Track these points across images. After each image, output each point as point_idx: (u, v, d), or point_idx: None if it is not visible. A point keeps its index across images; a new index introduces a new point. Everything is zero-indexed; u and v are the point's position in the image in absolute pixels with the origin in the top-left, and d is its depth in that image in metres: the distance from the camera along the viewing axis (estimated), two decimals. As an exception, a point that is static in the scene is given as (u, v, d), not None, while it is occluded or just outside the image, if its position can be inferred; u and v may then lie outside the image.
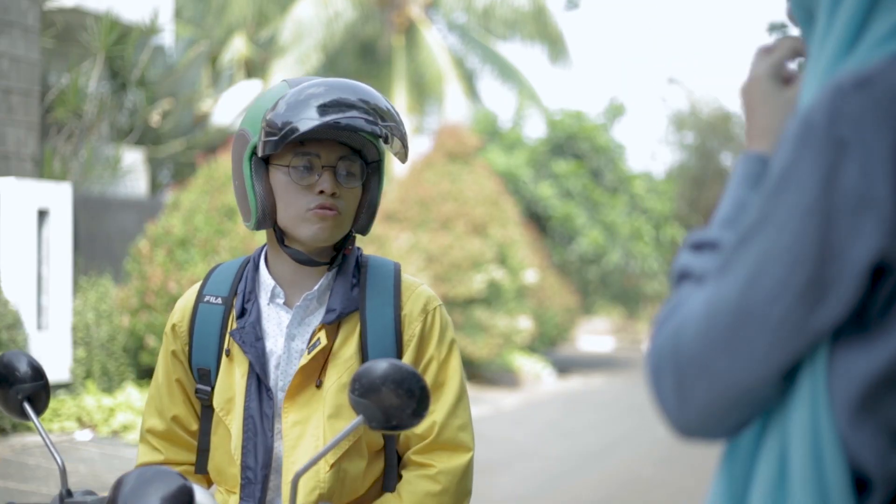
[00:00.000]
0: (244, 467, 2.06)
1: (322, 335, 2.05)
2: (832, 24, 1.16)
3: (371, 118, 1.98)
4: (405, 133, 2.05)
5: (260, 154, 2.02)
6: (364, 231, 2.11)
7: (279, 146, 1.99)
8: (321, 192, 2.01)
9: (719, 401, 1.14)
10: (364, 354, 2.07)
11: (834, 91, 1.08)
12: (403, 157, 2.07)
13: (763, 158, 1.28)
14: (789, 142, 1.10)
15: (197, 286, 2.19)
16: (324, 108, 1.96)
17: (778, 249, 1.09)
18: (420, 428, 2.08)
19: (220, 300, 2.13)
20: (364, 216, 2.09)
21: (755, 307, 1.10)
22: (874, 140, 1.06)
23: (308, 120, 1.95)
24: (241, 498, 2.07)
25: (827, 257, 1.07)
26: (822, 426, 1.12)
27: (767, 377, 1.12)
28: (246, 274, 2.14)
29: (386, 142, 2.02)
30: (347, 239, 2.10)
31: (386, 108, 2.01)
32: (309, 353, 2.04)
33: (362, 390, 1.69)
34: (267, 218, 2.05)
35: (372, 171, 2.10)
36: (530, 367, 16.46)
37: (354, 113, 1.97)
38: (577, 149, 19.43)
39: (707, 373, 1.13)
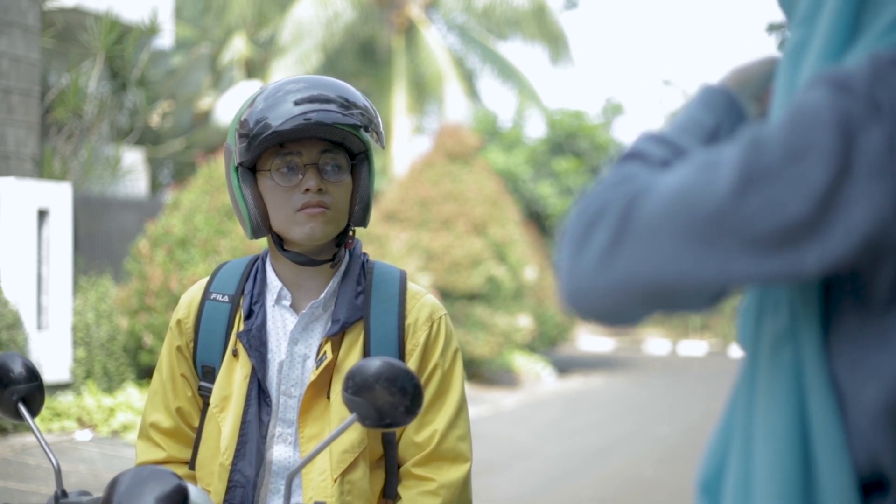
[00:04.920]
0: (234, 470, 2.05)
1: (328, 348, 2.05)
2: (818, 18, 1.16)
3: (342, 110, 1.98)
4: (378, 121, 2.06)
5: (238, 159, 2.03)
6: (361, 223, 2.10)
7: (252, 146, 1.99)
8: (307, 190, 2.01)
9: (648, 278, 1.09)
10: None
11: (874, 61, 1.08)
12: (380, 144, 2.10)
13: (728, 92, 1.29)
14: (821, 84, 1.08)
15: (203, 282, 2.19)
16: (295, 105, 1.97)
17: (781, 173, 1.06)
18: (420, 437, 2.07)
19: (226, 298, 2.13)
20: (358, 208, 2.08)
21: (739, 212, 1.06)
22: None
23: (279, 118, 1.96)
24: (225, 500, 2.05)
25: (829, 205, 1.05)
26: (815, 421, 1.11)
27: (707, 282, 1.09)
28: (254, 274, 2.14)
29: (367, 130, 2.03)
30: (346, 233, 2.10)
31: (355, 101, 2.02)
32: (317, 367, 2.04)
33: (356, 388, 1.69)
34: (261, 226, 2.05)
35: (360, 162, 2.08)
36: (530, 366, 16.46)
37: (327, 107, 1.97)
38: (577, 147, 19.44)
39: (654, 248, 1.09)
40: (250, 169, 2.05)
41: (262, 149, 2.01)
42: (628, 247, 1.10)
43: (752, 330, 1.20)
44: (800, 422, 1.12)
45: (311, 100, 1.98)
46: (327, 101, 1.99)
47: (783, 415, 1.13)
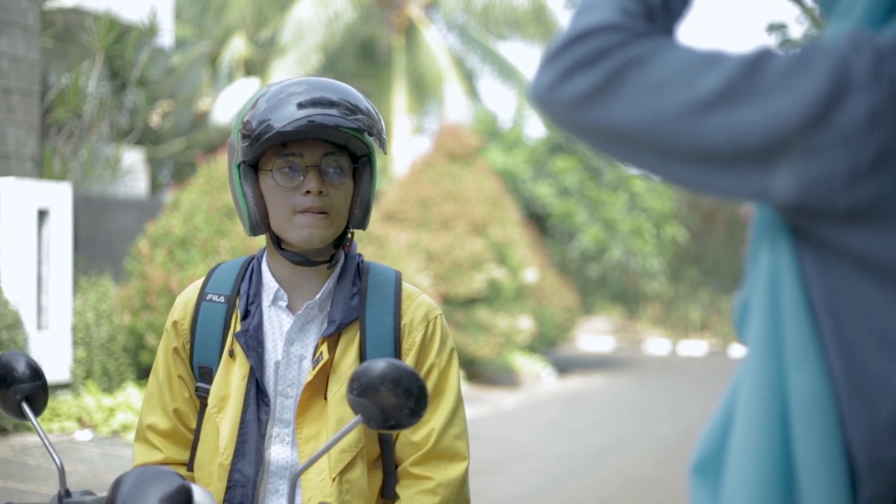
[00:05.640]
0: (234, 470, 2.05)
1: (324, 349, 2.05)
2: (853, 11, 1.17)
3: (346, 113, 1.98)
4: (381, 126, 2.06)
5: (241, 158, 2.03)
6: (360, 226, 2.09)
7: (254, 146, 1.99)
8: (308, 192, 2.00)
9: (620, 135, 1.13)
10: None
11: (874, 52, 1.09)
12: (382, 149, 2.10)
13: None
14: (845, 35, 1.10)
15: (198, 283, 2.18)
16: (299, 108, 1.97)
17: (782, 78, 1.08)
18: (417, 436, 2.07)
19: (222, 299, 2.13)
20: (358, 211, 2.07)
21: (699, 126, 1.09)
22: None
23: (282, 120, 1.96)
24: (224, 500, 2.06)
25: (788, 145, 1.08)
26: (794, 408, 1.12)
27: (683, 147, 1.12)
28: (249, 274, 2.14)
29: (370, 134, 2.02)
30: (345, 235, 2.09)
31: (358, 105, 2.02)
32: (313, 368, 2.04)
33: (360, 390, 1.69)
34: (260, 224, 2.05)
35: (362, 166, 2.08)
36: (530, 366, 16.47)
37: (330, 110, 1.97)
38: (577, 147, 19.43)
39: (633, 113, 1.11)
40: (252, 166, 2.05)
41: (264, 148, 2.01)
42: (612, 103, 1.13)
43: (749, 322, 1.21)
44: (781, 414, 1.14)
45: (314, 102, 1.97)
46: (331, 104, 1.98)
47: (769, 400, 1.14)
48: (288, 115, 1.96)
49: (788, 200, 1.10)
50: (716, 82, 1.10)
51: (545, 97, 1.16)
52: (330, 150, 2.03)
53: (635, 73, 1.12)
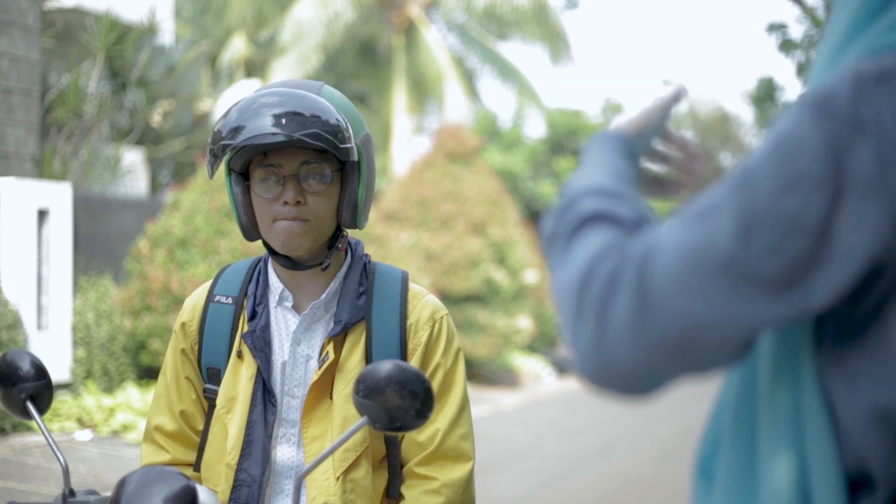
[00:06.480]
0: (240, 469, 2.06)
1: (330, 349, 2.06)
2: (845, 6, 1.16)
3: (297, 128, 1.91)
4: (346, 135, 1.97)
5: (210, 174, 2.02)
6: (351, 226, 2.07)
7: (219, 158, 1.97)
8: (286, 202, 2.00)
9: (680, 333, 1.07)
10: (369, 363, 2.07)
11: (855, 77, 1.07)
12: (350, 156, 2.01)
13: (628, 140, 1.30)
14: (802, 108, 1.07)
15: (207, 285, 2.20)
16: (264, 121, 1.92)
17: (777, 211, 1.05)
18: (423, 436, 2.08)
19: (230, 300, 2.14)
20: (346, 213, 2.05)
21: (747, 258, 1.05)
22: (893, 131, 1.04)
23: (247, 133, 1.91)
24: (231, 499, 2.07)
25: (828, 234, 1.04)
26: (808, 424, 1.12)
27: (735, 331, 1.08)
28: (256, 276, 2.15)
29: (335, 148, 1.95)
30: (338, 238, 2.09)
31: (327, 118, 1.95)
32: (319, 367, 2.05)
33: (366, 391, 1.69)
34: (251, 231, 2.07)
35: (350, 167, 2.05)
36: (530, 366, 16.47)
37: (291, 125, 1.91)
38: (577, 146, 19.46)
39: (680, 304, 1.07)
40: (243, 174, 2.06)
41: (241, 158, 2.01)
42: (654, 307, 1.07)
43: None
44: (797, 423, 1.13)
45: (280, 116, 1.92)
46: (296, 115, 1.93)
47: (782, 419, 1.14)
48: (254, 129, 1.91)
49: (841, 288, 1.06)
50: (730, 221, 1.06)
51: (598, 355, 1.10)
52: (309, 159, 2.00)
53: (655, 273, 1.08)
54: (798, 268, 1.05)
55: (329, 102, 2.02)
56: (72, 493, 1.79)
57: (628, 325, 1.08)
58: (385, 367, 1.68)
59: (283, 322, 2.11)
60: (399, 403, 1.67)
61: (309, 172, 2.01)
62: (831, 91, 1.07)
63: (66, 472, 1.80)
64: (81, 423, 8.31)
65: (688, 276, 1.07)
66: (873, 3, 1.13)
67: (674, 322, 1.07)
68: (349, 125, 2.01)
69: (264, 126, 1.92)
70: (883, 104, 1.05)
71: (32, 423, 7.46)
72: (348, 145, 1.98)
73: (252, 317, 2.11)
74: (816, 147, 1.04)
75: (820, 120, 1.05)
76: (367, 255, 2.17)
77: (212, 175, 2.02)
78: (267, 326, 2.10)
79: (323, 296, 2.09)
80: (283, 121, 1.92)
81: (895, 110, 1.05)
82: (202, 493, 1.66)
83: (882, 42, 1.11)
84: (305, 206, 2.00)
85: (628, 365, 1.09)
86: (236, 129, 1.93)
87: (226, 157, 2.03)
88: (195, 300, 2.19)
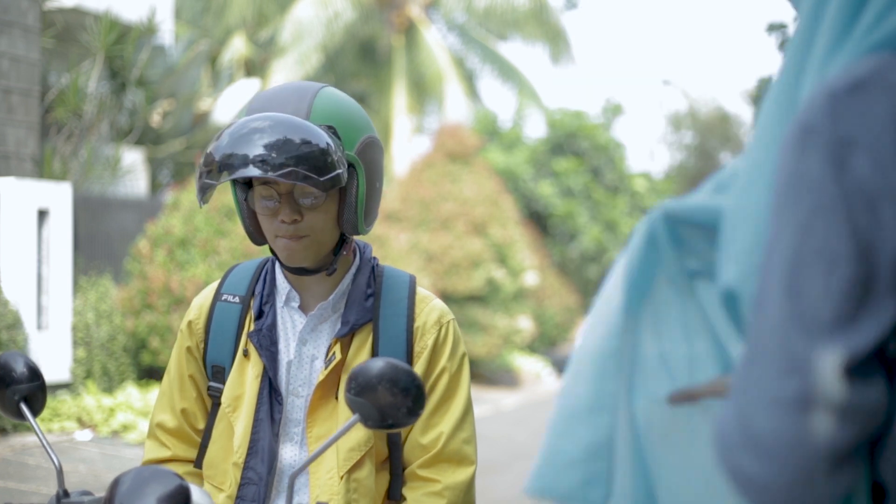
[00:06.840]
0: (247, 468, 2.08)
1: (337, 349, 2.08)
2: (821, 17, 1.15)
3: (280, 166, 1.88)
4: (334, 158, 1.94)
5: (200, 203, 2.03)
6: (354, 231, 2.07)
7: (206, 194, 1.96)
8: (283, 221, 2.00)
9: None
10: None
11: (828, 96, 1.07)
12: (328, 186, 1.96)
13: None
14: (791, 148, 1.08)
15: (214, 285, 2.22)
16: (252, 147, 1.89)
17: (809, 255, 1.05)
18: (426, 439, 2.10)
19: (237, 299, 2.16)
20: (347, 221, 2.04)
21: (803, 313, 1.05)
22: (883, 133, 1.04)
23: (233, 163, 1.90)
24: (237, 497, 2.09)
25: (863, 251, 1.04)
26: None
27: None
28: (264, 276, 2.17)
29: (319, 178, 1.92)
30: (343, 245, 2.09)
31: (317, 143, 1.92)
32: (326, 367, 2.07)
33: (358, 389, 1.69)
34: (256, 237, 2.10)
35: (349, 176, 2.02)
36: (530, 366, 16.47)
37: (276, 155, 1.89)
38: (578, 147, 19.45)
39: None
40: (246, 183, 2.07)
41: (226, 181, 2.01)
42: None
43: None
44: None
45: (266, 148, 1.89)
46: (279, 151, 1.89)
47: None
48: (239, 160, 1.90)
49: None
50: (776, 299, 1.07)
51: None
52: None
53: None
54: (853, 296, 1.05)
55: (326, 108, 1.99)
56: (66, 493, 1.79)
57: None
58: (377, 364, 1.69)
59: (290, 322, 2.13)
60: (391, 401, 1.68)
61: (305, 190, 2.00)
62: (809, 117, 1.08)
63: (59, 472, 1.80)
64: (81, 423, 8.31)
65: (764, 363, 1.07)
66: (848, 8, 1.13)
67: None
68: (341, 142, 1.98)
69: (246, 159, 1.89)
70: (862, 113, 1.06)
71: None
72: (332, 173, 1.92)
73: (259, 316, 2.13)
74: (813, 176, 1.05)
75: (806, 150, 1.06)
76: (375, 258, 2.19)
77: (202, 204, 2.02)
78: (273, 325, 2.12)
79: (331, 297, 2.11)
80: (266, 155, 1.88)
81: (876, 116, 1.05)
82: (195, 492, 1.66)
83: (860, 49, 1.11)
84: (303, 222, 2.01)
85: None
86: (222, 161, 1.91)
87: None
88: (203, 299, 2.21)
